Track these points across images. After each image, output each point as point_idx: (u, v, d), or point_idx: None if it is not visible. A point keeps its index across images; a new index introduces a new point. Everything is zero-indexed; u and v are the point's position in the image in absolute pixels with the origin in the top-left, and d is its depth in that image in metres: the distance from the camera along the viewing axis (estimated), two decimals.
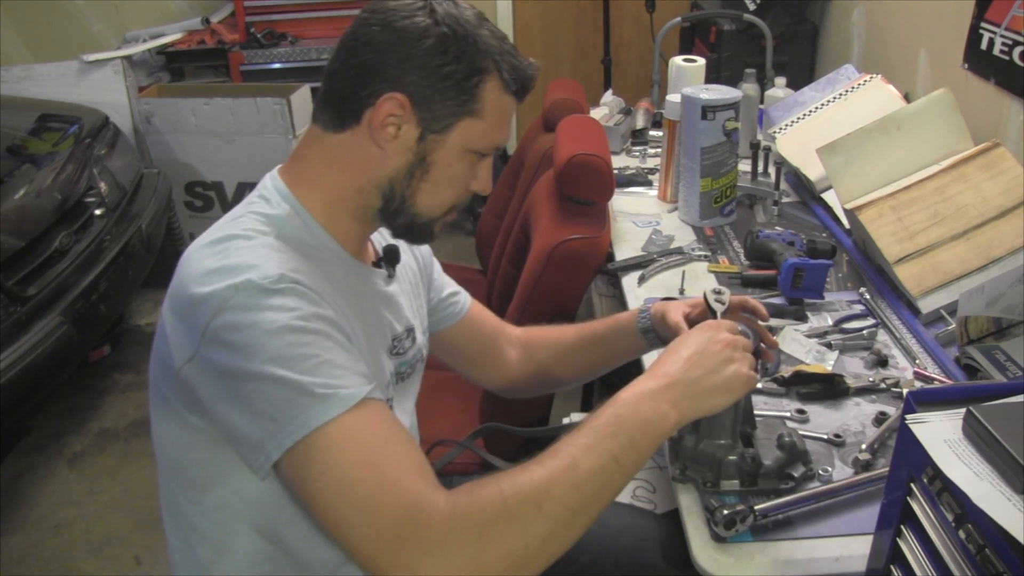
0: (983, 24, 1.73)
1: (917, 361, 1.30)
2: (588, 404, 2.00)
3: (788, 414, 1.18)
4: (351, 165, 0.92)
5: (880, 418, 1.16)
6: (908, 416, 0.77)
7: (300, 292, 0.83)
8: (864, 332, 1.36)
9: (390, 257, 1.06)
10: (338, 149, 0.93)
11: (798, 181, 1.95)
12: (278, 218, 0.91)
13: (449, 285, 1.23)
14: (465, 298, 1.25)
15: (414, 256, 1.16)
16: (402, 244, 1.10)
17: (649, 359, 1.29)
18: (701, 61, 2.16)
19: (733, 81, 2.08)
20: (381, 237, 1.09)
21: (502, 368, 1.27)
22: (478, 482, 0.76)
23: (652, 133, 2.28)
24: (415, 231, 0.98)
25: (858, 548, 0.93)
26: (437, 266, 1.22)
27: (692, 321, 1.12)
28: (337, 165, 0.93)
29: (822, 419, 1.18)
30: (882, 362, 1.30)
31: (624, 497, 1.49)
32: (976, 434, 0.72)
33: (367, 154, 0.91)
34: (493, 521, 0.73)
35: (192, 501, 0.93)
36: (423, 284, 1.17)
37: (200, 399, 0.83)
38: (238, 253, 0.84)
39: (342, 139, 0.92)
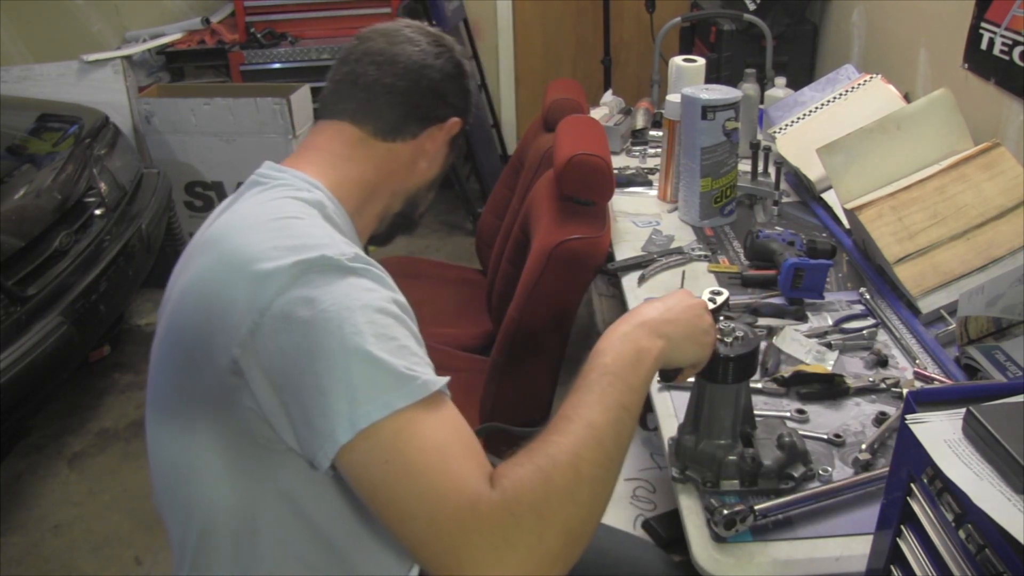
0: (983, 24, 1.73)
1: (917, 361, 1.30)
2: None
3: (788, 414, 1.18)
4: (396, 171, 1.04)
5: (880, 418, 1.16)
6: (908, 416, 0.77)
7: (375, 275, 0.81)
8: (864, 332, 1.36)
9: None
10: (387, 156, 1.03)
11: (798, 181, 1.95)
12: (316, 202, 0.91)
13: None
14: None
15: None
16: None
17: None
18: (701, 61, 2.16)
19: (733, 81, 2.08)
20: None
21: None
22: (512, 463, 0.74)
23: (652, 133, 2.28)
24: (409, 228, 1.14)
25: (858, 548, 0.93)
26: None
27: None
28: (384, 169, 1.03)
29: (822, 419, 1.18)
30: (882, 362, 1.30)
31: (624, 497, 1.49)
32: (976, 434, 0.72)
33: (413, 165, 1.06)
34: (544, 499, 0.71)
35: (198, 508, 0.89)
36: None
37: (259, 384, 0.77)
38: (300, 230, 0.82)
39: (392, 148, 1.03)
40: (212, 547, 0.89)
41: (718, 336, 0.99)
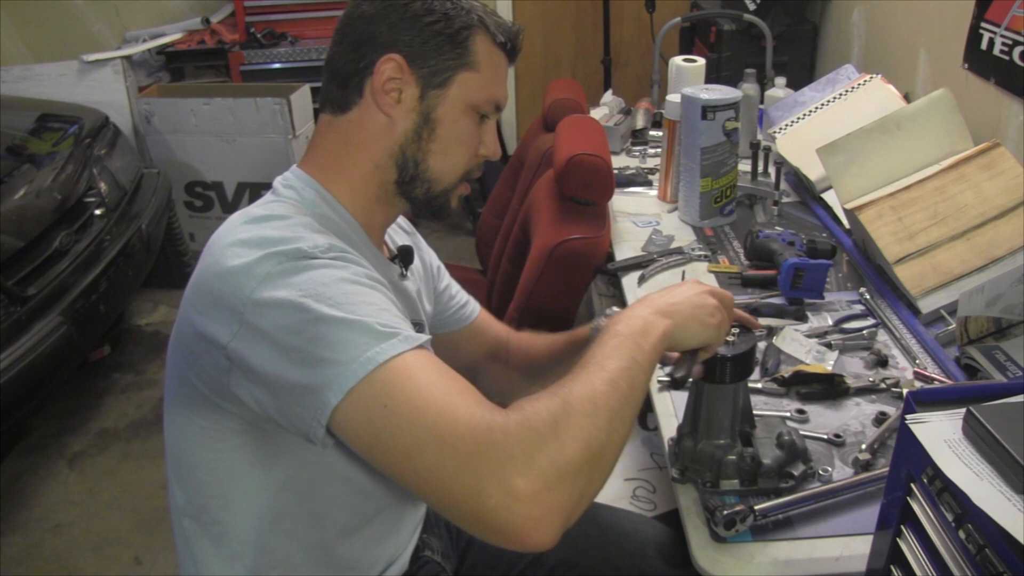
0: (983, 24, 1.73)
1: (917, 361, 1.30)
2: None
3: (788, 414, 1.18)
4: (364, 141, 0.95)
5: (880, 418, 1.16)
6: (908, 416, 0.77)
7: (350, 259, 0.84)
8: (864, 332, 1.36)
9: (405, 256, 1.08)
10: (349, 128, 0.95)
11: (798, 181, 1.95)
12: (309, 201, 0.93)
13: (458, 295, 1.25)
14: (474, 307, 1.27)
15: (423, 263, 1.18)
16: (416, 248, 1.12)
17: None
18: (701, 61, 2.16)
19: (733, 81, 2.08)
20: (390, 241, 1.10)
21: (500, 377, 1.28)
22: (530, 398, 0.76)
23: (652, 133, 2.28)
24: (434, 203, 0.99)
25: (858, 548, 0.93)
26: (445, 278, 1.24)
27: None
28: (352, 144, 0.95)
29: (822, 419, 1.18)
30: (882, 362, 1.30)
31: (624, 497, 1.49)
32: (976, 434, 0.72)
33: (376, 125, 0.94)
34: (564, 418, 0.73)
35: (212, 496, 0.92)
36: (431, 290, 1.19)
37: (249, 372, 0.80)
38: (279, 228, 0.85)
39: (351, 117, 0.95)
40: (217, 533, 0.93)
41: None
